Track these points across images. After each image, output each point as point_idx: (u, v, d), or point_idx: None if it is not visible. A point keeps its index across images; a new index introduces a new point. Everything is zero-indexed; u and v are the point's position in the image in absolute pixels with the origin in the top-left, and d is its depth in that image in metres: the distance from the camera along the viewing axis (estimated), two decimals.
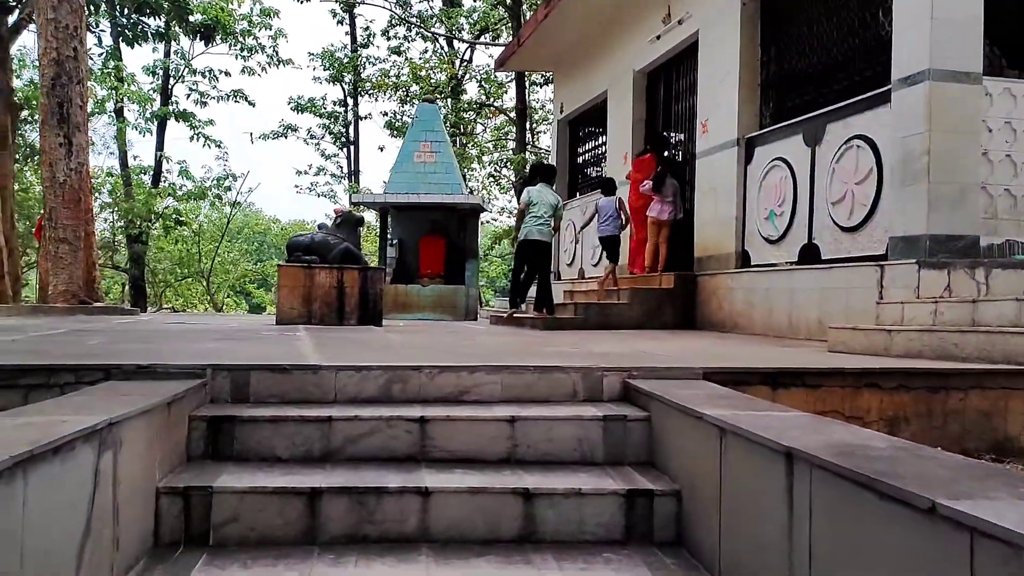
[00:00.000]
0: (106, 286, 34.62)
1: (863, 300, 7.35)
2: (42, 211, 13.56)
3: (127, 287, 30.39)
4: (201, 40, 24.79)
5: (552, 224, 10.46)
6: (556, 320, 10.28)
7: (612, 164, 13.49)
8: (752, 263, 9.55)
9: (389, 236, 15.88)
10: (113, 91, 27.95)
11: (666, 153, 11.62)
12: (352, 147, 34.98)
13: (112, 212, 30.66)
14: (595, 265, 14.14)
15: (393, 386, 4.10)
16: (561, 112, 16.02)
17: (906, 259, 7.01)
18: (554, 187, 10.71)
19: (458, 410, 3.87)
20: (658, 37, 11.92)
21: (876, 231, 7.57)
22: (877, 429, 4.45)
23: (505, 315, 11.91)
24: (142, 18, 24.12)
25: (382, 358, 4.84)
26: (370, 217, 26.12)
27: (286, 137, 34.01)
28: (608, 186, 11.53)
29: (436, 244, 15.63)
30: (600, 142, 14.93)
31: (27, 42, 30.71)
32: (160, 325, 9.62)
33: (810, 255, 8.50)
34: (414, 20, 30.83)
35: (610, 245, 11.49)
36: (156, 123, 29.61)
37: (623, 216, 11.39)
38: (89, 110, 29.84)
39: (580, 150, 16.04)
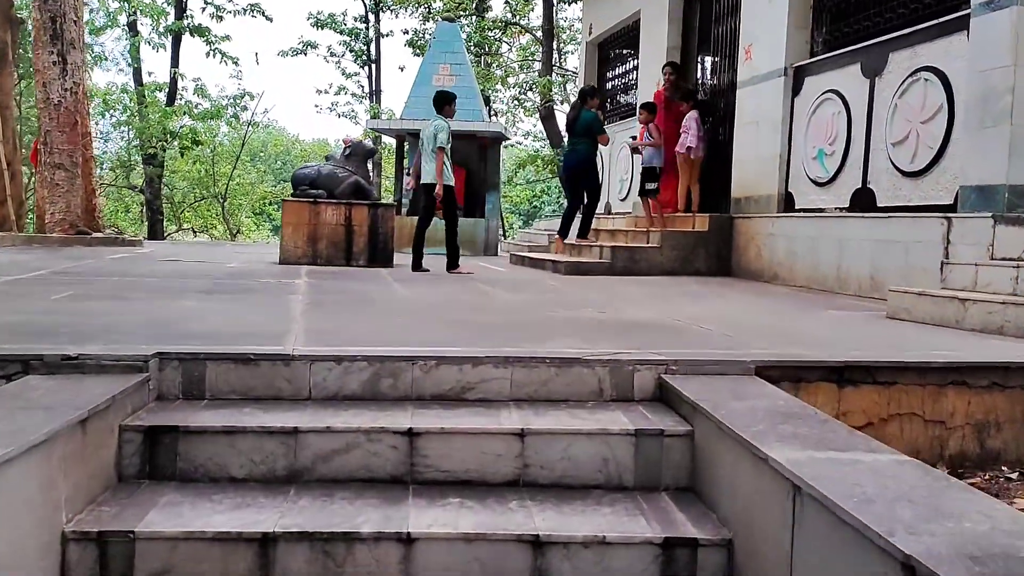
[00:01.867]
0: (123, 206, 34.17)
1: (925, 257, 6.52)
2: (38, 134, 12.83)
3: (144, 209, 29.82)
4: None
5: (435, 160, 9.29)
6: (580, 265, 9.51)
7: (644, 92, 12.48)
8: (796, 207, 8.68)
9: (405, 165, 15.03)
10: (125, 3, 26.91)
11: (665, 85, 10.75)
12: (374, 65, 33.81)
13: (128, 130, 29.94)
14: (623, 199, 13.28)
15: (381, 381, 3.39)
16: (590, 33, 14.92)
17: (980, 212, 6.14)
18: (445, 110, 9.61)
19: (456, 417, 3.16)
20: None
21: (943, 178, 6.68)
22: (962, 436, 3.71)
23: (522, 255, 11.17)
24: None
25: (378, 331, 4.13)
26: (389, 140, 25.21)
27: (305, 54, 32.84)
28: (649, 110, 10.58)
29: (455, 175, 14.75)
30: (631, 66, 13.89)
31: None
32: (152, 264, 8.94)
33: (863, 201, 7.62)
34: None
35: (648, 175, 10.60)
36: (170, 38, 28.57)
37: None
38: (101, 23, 28.90)
39: (610, 74, 14.99)
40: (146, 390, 3.17)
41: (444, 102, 9.49)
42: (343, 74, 34.28)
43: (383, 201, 10.13)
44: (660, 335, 4.51)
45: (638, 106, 10.84)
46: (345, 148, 10.23)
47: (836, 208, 8.02)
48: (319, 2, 63.54)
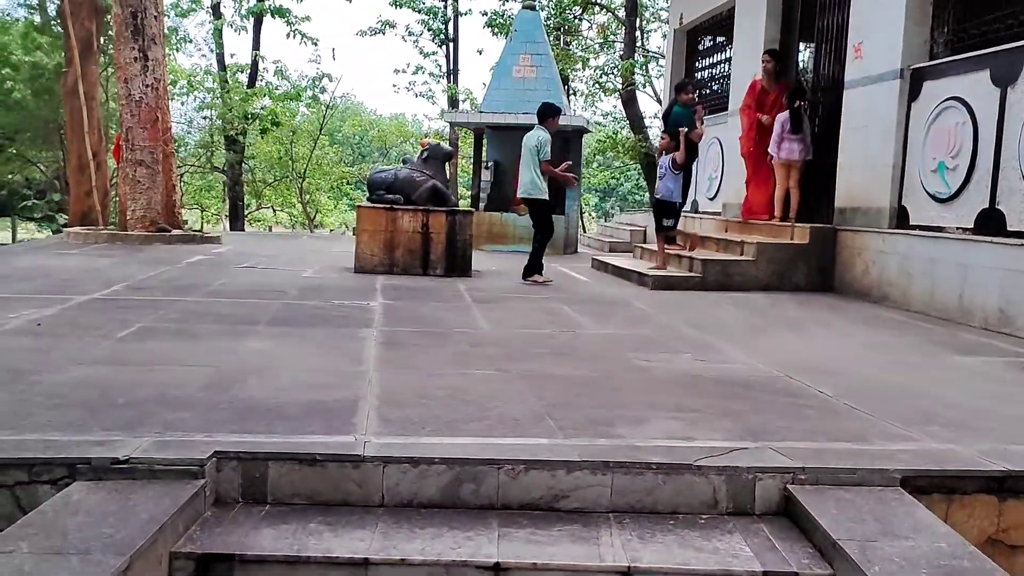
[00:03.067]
0: (207, 183, 34.55)
1: None
2: (118, 129, 12.77)
3: (225, 189, 30.12)
4: None
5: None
6: (669, 279, 8.95)
7: (737, 87, 11.76)
8: (911, 223, 7.95)
9: (484, 158, 14.60)
10: None
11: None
12: (451, 45, 33.42)
13: (211, 112, 30.23)
14: (712, 198, 12.61)
15: (462, 486, 2.97)
16: (680, 22, 14.18)
17: None
18: (548, 123, 9.39)
19: (550, 542, 2.71)
20: None
21: None
22: None
23: (605, 261, 10.64)
24: None
25: (457, 394, 3.68)
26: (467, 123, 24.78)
27: (383, 34, 32.62)
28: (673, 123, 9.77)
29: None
30: (723, 57, 13.13)
31: None
32: (226, 272, 8.68)
33: (991, 223, 6.88)
34: None
35: (663, 209, 9.65)
36: (252, 20, 28.65)
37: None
38: (186, 6, 29.12)
39: (699, 64, 14.24)
40: (203, 496, 2.81)
41: (549, 115, 9.28)
42: (420, 53, 34.00)
43: (461, 207, 9.68)
44: (774, 406, 3.98)
45: (660, 133, 10.11)
46: (422, 151, 9.83)
47: (958, 228, 7.30)
48: None
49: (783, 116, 9.54)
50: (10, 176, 27.11)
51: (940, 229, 7.50)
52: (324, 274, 9.08)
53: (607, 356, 5.14)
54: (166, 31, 16.23)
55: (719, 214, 11.77)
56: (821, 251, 8.94)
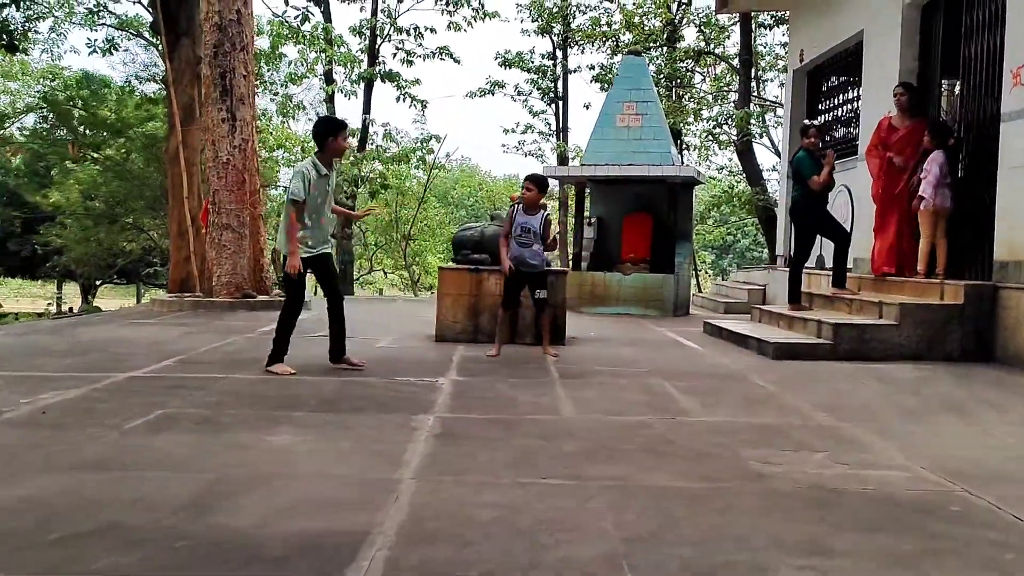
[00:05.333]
0: None
1: None
2: (208, 194, 12.49)
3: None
4: None
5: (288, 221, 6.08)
6: (794, 347, 7.69)
7: (867, 128, 10.46)
8: None
9: (587, 214, 13.66)
10: (322, 53, 27.46)
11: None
12: (561, 103, 33.00)
13: None
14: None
15: None
16: (801, 60, 12.99)
17: None
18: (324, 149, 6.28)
19: None
20: None
21: None
22: None
23: (719, 326, 9.43)
24: None
25: (513, 523, 2.65)
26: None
27: (493, 94, 32.51)
28: (539, 185, 7.56)
29: (642, 224, 13.22)
30: (850, 96, 11.86)
31: None
32: (294, 344, 7.93)
33: None
34: None
35: (534, 279, 7.59)
36: (363, 84, 28.94)
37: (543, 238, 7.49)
38: (302, 72, 29.72)
39: (823, 105, 12.98)
40: None
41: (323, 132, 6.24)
42: (530, 112, 33.74)
43: (555, 267, 8.72)
44: (954, 546, 2.79)
45: (523, 178, 8.13)
46: (513, 205, 8.95)
47: None
48: (506, 41, 63.97)
49: (939, 157, 8.22)
50: (124, 244, 27.88)
51: None
52: (402, 343, 8.24)
53: (715, 455, 4.01)
54: (258, 91, 16.12)
55: (850, 270, 10.39)
56: (978, 313, 7.52)
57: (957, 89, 9.40)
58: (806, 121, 10.13)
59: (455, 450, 4.02)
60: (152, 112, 23.46)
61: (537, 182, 7.55)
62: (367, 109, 29.02)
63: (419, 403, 5.14)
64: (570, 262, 14.94)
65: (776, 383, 6.17)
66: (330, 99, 27.58)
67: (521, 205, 7.54)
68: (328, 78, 28.48)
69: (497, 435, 4.34)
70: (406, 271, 32.11)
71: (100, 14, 27.12)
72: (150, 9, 20.02)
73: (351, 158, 27.14)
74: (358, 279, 33.04)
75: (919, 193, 8.28)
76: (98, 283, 36.36)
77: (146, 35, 27.36)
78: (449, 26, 28.19)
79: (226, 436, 4.20)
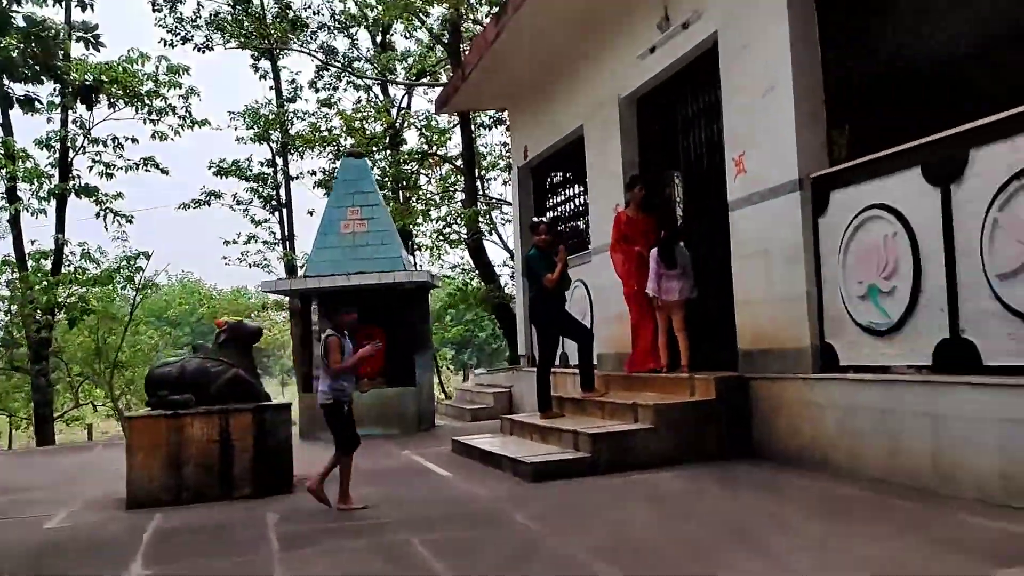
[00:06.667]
0: (11, 385, 30.38)
1: None
2: None
3: (31, 403, 26.38)
4: (83, 103, 21.24)
5: None
6: (550, 465, 6.91)
7: (597, 220, 10.27)
8: (842, 363, 6.32)
9: (315, 330, 12.42)
10: (2, 169, 24.25)
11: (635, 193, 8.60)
12: (285, 210, 31.58)
13: (9, 304, 26.78)
14: None
15: None
16: (525, 157, 12.78)
17: None
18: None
19: None
20: (652, 50, 8.77)
21: None
22: None
23: (468, 444, 8.56)
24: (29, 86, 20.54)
25: None
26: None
27: (209, 204, 30.49)
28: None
29: (376, 335, 12.18)
30: (577, 191, 11.73)
31: None
32: None
33: (958, 357, 5.28)
34: (341, 64, 27.79)
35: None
36: (54, 201, 25.87)
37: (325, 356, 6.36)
38: None
39: (549, 202, 12.81)
40: None
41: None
42: (252, 221, 31.98)
43: (275, 401, 7.45)
44: None
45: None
46: (218, 333, 7.59)
47: (909, 367, 5.68)
48: (219, 150, 61.45)
49: (655, 252, 8.10)
50: None
51: (885, 369, 5.88)
52: (82, 516, 6.53)
53: None
54: None
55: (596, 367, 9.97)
56: (731, 407, 7.17)
57: (677, 180, 9.41)
58: (535, 218, 9.72)
59: None
60: None
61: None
62: (60, 228, 25.92)
63: None
64: (299, 384, 13.55)
65: (541, 520, 5.28)
66: (14, 220, 24.30)
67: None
68: (11, 196, 25.15)
69: None
70: (114, 405, 28.73)
71: None
72: None
73: (43, 283, 23.98)
74: (62, 416, 29.12)
75: (684, 285, 8.04)
76: None
77: None
78: (154, 135, 26.16)
79: None
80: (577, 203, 11.67)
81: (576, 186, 11.70)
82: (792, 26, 6.65)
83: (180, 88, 26.62)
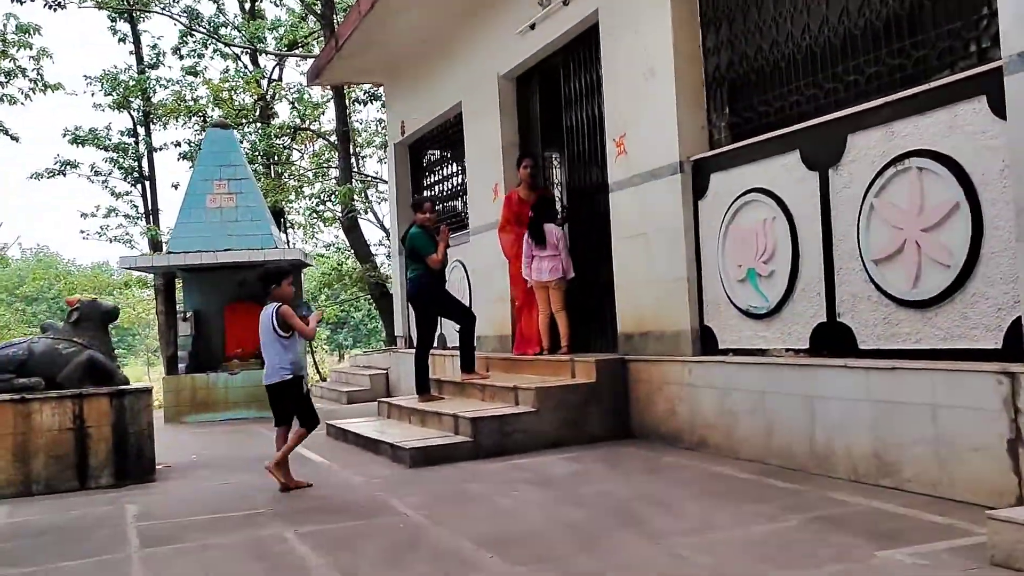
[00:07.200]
0: None
1: (974, 429, 4.30)
2: None
3: None
4: None
5: None
6: (430, 451, 6.73)
7: (476, 200, 10.12)
8: (721, 346, 6.41)
9: (180, 308, 11.80)
10: None
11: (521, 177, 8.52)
12: (148, 182, 29.97)
13: None
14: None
15: None
16: (402, 133, 12.46)
17: None
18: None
19: None
20: (532, 26, 8.66)
21: (977, 308, 4.55)
22: None
23: (344, 428, 8.30)
24: None
25: None
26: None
27: (64, 175, 28.61)
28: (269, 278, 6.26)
29: (247, 313, 11.65)
30: (455, 169, 11.53)
31: None
32: None
33: (835, 341, 5.41)
34: (207, 30, 26.52)
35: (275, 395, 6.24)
36: None
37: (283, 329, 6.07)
38: None
39: (427, 180, 12.56)
40: None
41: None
42: (112, 194, 30.23)
43: (134, 385, 6.97)
44: None
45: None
46: (71, 310, 7.04)
47: (787, 350, 5.79)
48: (76, 117, 57.92)
49: (527, 232, 8.04)
50: None
51: (763, 352, 5.98)
52: None
53: None
54: None
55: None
56: (613, 389, 7.19)
57: (556, 161, 9.37)
58: (418, 196, 9.50)
59: None
60: None
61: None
62: None
63: None
64: (164, 365, 12.87)
65: (423, 508, 5.10)
66: None
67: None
68: None
69: None
70: None
71: None
72: None
73: None
74: None
75: (553, 266, 7.97)
76: None
77: None
78: (2, 99, 24.41)
79: None
80: (456, 182, 11.47)
81: (454, 164, 11.50)
82: (674, 8, 6.65)
83: (31, 49, 25.00)
